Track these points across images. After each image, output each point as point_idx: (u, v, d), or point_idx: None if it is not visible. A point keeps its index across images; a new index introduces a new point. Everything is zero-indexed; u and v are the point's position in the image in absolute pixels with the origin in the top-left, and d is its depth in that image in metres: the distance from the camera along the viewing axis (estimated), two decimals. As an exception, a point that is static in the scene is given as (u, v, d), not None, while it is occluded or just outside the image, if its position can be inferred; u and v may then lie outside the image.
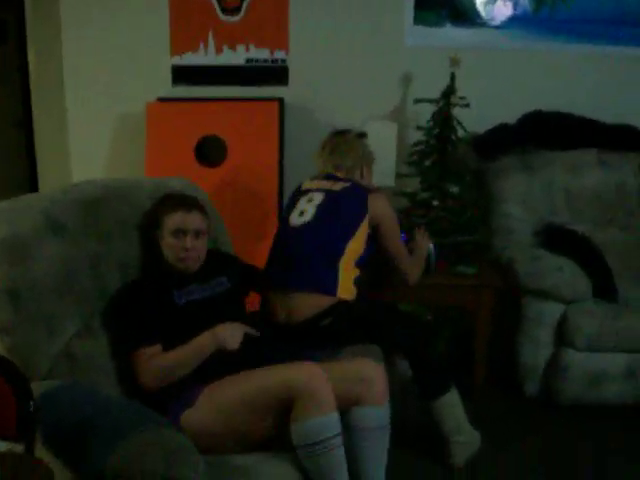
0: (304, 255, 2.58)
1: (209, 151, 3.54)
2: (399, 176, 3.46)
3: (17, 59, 4.50)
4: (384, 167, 3.30)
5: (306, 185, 2.82)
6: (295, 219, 2.68)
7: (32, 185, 4.29)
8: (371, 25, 3.70)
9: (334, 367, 2.09)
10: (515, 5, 3.70)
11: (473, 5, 3.69)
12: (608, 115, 3.66)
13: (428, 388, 2.61)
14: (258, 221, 3.45)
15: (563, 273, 3.04)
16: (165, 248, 2.26)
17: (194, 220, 2.28)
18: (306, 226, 2.63)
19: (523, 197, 3.43)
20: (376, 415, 2.07)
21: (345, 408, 2.01)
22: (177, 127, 3.50)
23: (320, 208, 2.66)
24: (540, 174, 3.49)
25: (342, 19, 3.71)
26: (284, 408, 1.91)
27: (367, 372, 2.10)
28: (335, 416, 1.91)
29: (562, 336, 3.03)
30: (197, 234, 2.28)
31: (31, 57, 3.85)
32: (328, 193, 2.70)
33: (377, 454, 2.09)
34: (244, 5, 3.67)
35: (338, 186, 2.72)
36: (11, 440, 1.60)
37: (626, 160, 3.61)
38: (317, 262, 2.57)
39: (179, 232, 2.24)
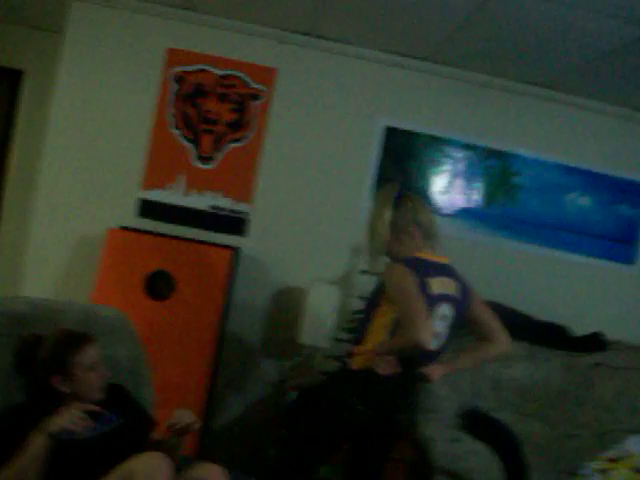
0: None
1: (158, 284, 3.61)
2: (336, 340, 3.57)
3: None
4: (322, 329, 3.41)
5: (436, 285, 2.60)
6: (432, 342, 2.54)
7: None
8: (332, 196, 3.97)
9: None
10: (468, 198, 4.00)
11: (427, 192, 3.98)
12: (542, 312, 3.89)
13: None
14: (191, 360, 3.50)
15: (477, 458, 3.09)
16: (79, 386, 2.23)
17: (98, 350, 2.32)
18: (439, 349, 2.67)
19: (449, 378, 3.49)
20: None
21: None
22: (132, 256, 3.59)
23: (449, 328, 2.67)
24: (470, 359, 3.60)
25: (306, 186, 3.96)
26: None
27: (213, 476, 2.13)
28: None
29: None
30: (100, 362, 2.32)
31: (12, 163, 4.01)
32: (454, 304, 2.66)
33: None
34: (218, 156, 3.90)
35: (452, 287, 2.67)
36: None
37: (554, 356, 3.76)
38: None
39: (94, 366, 2.27)
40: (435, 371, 2.72)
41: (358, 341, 2.69)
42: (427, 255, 2.68)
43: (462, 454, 3.09)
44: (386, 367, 2.55)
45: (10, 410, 2.17)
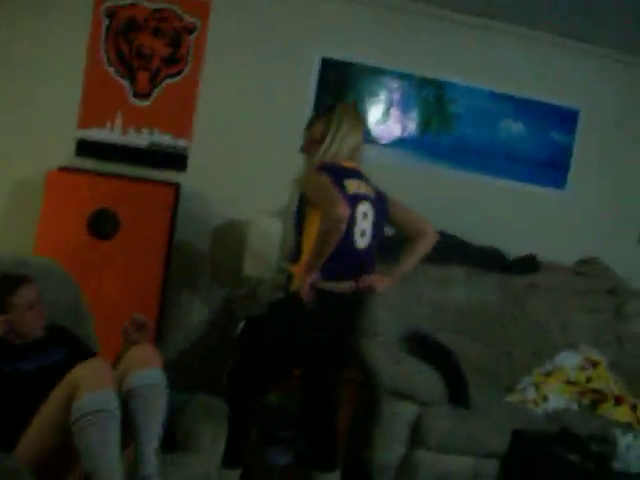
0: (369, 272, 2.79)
1: (102, 224, 3.60)
2: (280, 270, 3.64)
3: None
4: (266, 260, 3.48)
5: (351, 186, 2.73)
6: (359, 240, 2.72)
7: None
8: (270, 130, 3.98)
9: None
10: (403, 128, 4.06)
11: (364, 123, 3.98)
12: (478, 237, 4.03)
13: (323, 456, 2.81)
14: (139, 296, 3.53)
15: (421, 377, 3.24)
16: (18, 325, 2.30)
17: (36, 290, 2.38)
18: (368, 247, 2.77)
19: (392, 302, 3.64)
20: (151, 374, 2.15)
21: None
22: (74, 197, 3.55)
23: (373, 227, 2.77)
24: (410, 284, 3.71)
25: (245, 119, 3.96)
26: None
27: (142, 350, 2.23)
28: (103, 392, 1.97)
29: (415, 436, 3.20)
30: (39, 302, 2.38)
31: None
32: (371, 203, 2.77)
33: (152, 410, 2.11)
34: (155, 92, 3.86)
35: (366, 188, 2.79)
36: None
37: (489, 279, 3.93)
38: None
39: (32, 305, 2.33)
40: (378, 281, 2.81)
41: (294, 260, 2.76)
42: (341, 162, 2.77)
43: (407, 375, 3.24)
44: (306, 294, 2.62)
45: None
